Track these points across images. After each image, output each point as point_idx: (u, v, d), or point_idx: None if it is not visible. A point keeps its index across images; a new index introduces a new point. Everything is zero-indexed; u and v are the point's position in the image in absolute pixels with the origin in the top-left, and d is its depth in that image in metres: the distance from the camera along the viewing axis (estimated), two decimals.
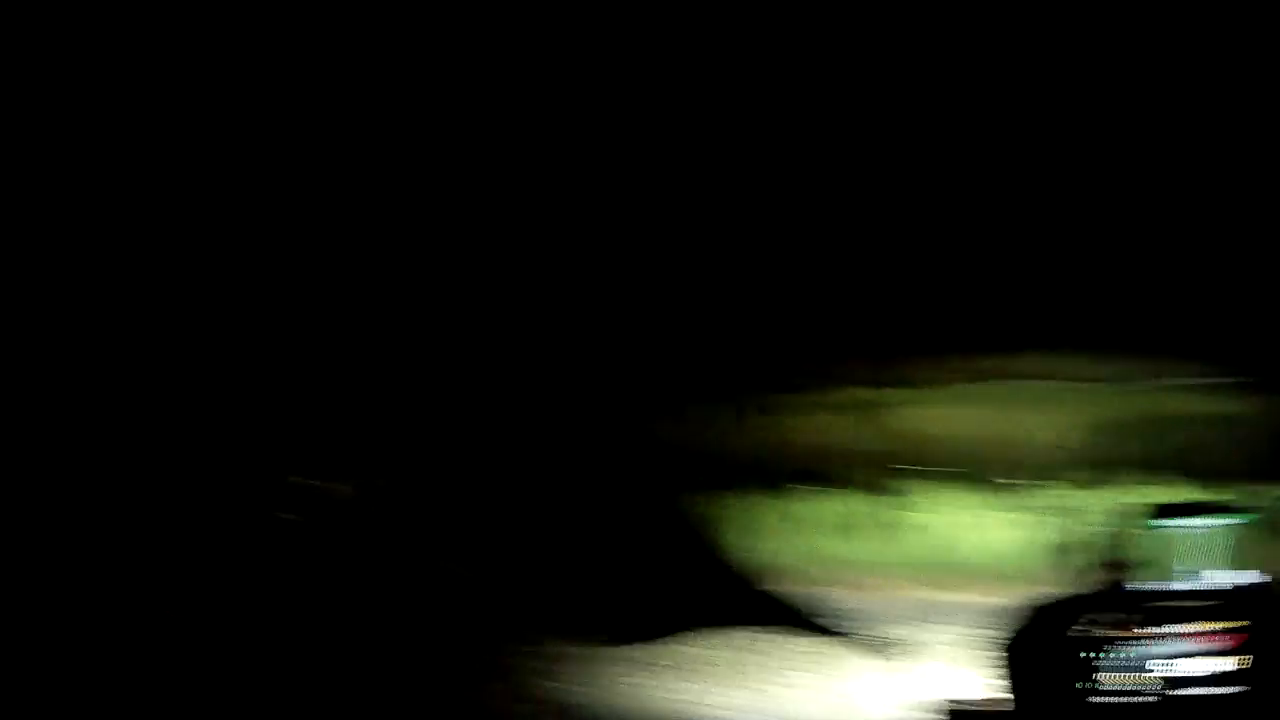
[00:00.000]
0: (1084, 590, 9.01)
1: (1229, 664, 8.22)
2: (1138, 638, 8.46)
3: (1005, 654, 9.24)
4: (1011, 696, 9.05)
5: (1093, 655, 8.46)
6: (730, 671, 12.72)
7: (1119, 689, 8.41)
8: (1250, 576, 8.49)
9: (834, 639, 13.41)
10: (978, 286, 16.80)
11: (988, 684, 9.46)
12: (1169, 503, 9.08)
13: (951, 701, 9.54)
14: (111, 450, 15.17)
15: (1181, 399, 15.31)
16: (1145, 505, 8.96)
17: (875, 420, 16.84)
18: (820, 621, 13.86)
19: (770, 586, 14.96)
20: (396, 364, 16.59)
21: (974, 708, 9.38)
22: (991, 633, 9.25)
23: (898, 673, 12.03)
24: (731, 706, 11.78)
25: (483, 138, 17.17)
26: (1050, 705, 8.61)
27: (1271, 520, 9.88)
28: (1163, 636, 8.40)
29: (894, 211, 17.34)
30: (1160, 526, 8.78)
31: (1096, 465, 15.37)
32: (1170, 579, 8.70)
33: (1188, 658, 8.35)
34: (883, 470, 16.30)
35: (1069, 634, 8.67)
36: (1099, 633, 8.56)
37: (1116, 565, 8.97)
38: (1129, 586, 8.68)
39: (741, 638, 13.47)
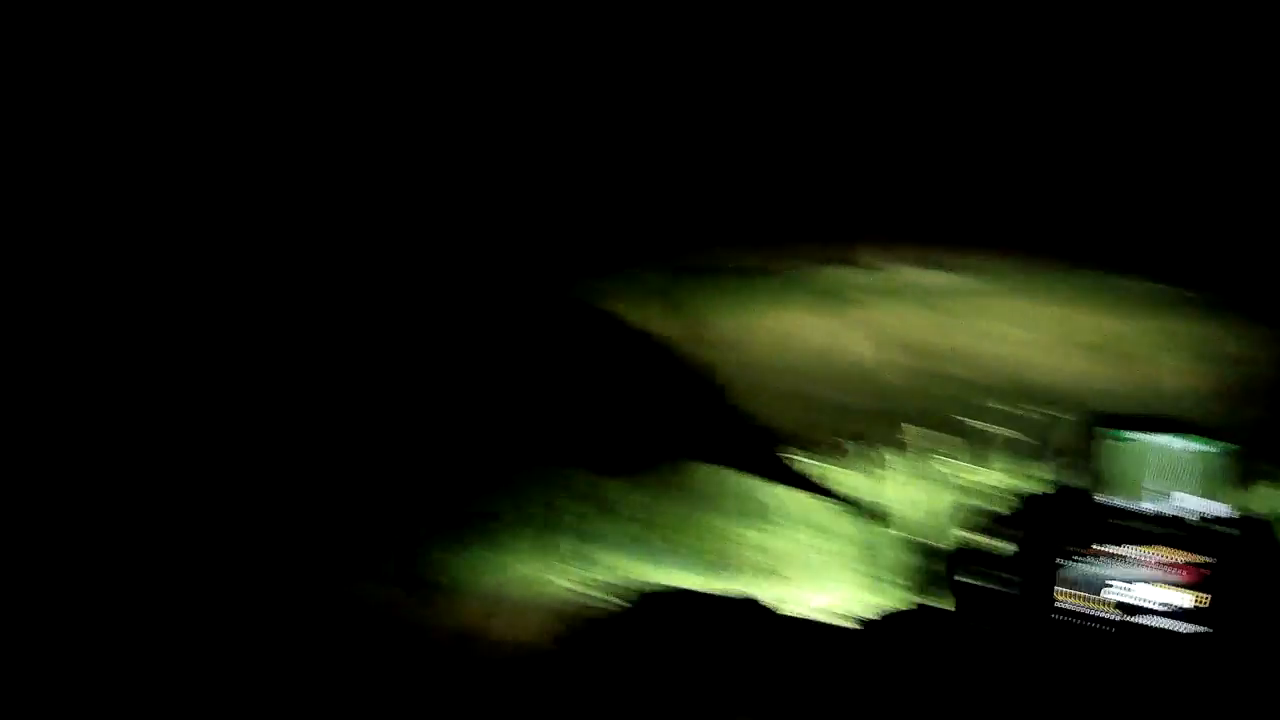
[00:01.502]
0: (1039, 497, 8.36)
1: (1185, 599, 7.60)
2: (1095, 554, 7.84)
3: (948, 562, 8.65)
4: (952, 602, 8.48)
5: (1045, 566, 7.87)
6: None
7: (1068, 605, 7.85)
8: (1218, 509, 7.79)
9: None
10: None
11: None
12: (1125, 414, 8.31)
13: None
14: None
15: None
16: (1100, 415, 8.17)
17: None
18: None
19: None
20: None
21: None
22: None
23: None
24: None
25: None
26: (989, 614, 8.05)
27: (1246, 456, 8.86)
28: (1121, 557, 7.77)
29: None
30: (1123, 439, 8.03)
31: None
32: (1136, 497, 8.01)
33: (1144, 584, 7.77)
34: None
35: (1021, 542, 8.05)
36: (1051, 543, 7.96)
37: (1079, 475, 8.30)
38: (1092, 498, 8.01)
39: None
